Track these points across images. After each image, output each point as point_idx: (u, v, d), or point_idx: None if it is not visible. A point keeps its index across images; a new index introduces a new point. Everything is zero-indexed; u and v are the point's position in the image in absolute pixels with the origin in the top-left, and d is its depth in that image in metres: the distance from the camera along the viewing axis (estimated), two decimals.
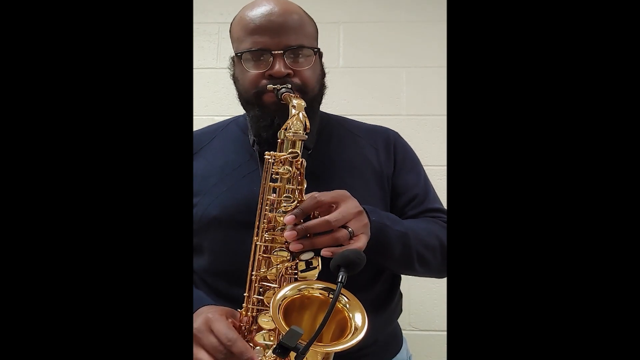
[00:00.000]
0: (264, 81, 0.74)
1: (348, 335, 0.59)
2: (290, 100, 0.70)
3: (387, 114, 1.46)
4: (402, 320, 1.24)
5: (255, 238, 0.67)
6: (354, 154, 0.83)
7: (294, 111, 0.68)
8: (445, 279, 1.30)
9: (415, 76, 1.47)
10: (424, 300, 1.32)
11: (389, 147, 0.87)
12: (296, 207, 0.64)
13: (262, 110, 0.76)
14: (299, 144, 0.68)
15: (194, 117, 1.43)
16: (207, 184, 0.79)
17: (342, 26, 1.51)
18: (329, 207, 0.64)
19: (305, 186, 0.68)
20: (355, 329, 0.59)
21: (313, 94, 0.78)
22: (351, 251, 0.57)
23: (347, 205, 0.64)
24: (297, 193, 0.67)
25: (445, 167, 1.39)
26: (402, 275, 0.91)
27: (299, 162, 0.67)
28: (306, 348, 0.50)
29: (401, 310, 0.91)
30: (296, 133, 0.67)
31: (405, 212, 0.83)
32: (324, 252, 0.61)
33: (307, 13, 0.80)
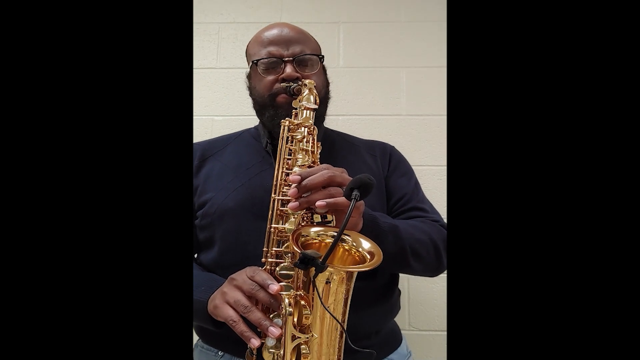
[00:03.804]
0: (277, 85, 0.87)
1: (366, 262, 0.60)
2: (302, 88, 0.81)
3: (387, 114, 1.45)
4: (402, 320, 1.24)
5: (273, 195, 0.72)
6: (355, 159, 0.94)
7: (306, 89, 0.80)
8: (444, 279, 1.30)
9: (415, 76, 1.47)
10: (424, 300, 1.32)
11: (386, 155, 0.98)
12: (309, 166, 0.69)
13: (276, 110, 0.86)
14: (311, 113, 0.78)
15: (194, 117, 1.43)
16: (223, 181, 0.87)
17: (342, 26, 1.51)
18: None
19: (320, 150, 0.76)
20: (371, 257, 0.61)
21: (320, 97, 0.86)
22: (363, 174, 0.59)
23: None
24: (311, 154, 0.74)
25: (445, 167, 1.39)
26: (400, 274, 0.92)
27: (312, 127, 0.76)
28: (327, 254, 0.51)
29: (400, 307, 0.93)
30: (309, 102, 0.78)
31: (394, 211, 0.89)
32: (319, 203, 0.62)
33: (310, 35, 0.95)
